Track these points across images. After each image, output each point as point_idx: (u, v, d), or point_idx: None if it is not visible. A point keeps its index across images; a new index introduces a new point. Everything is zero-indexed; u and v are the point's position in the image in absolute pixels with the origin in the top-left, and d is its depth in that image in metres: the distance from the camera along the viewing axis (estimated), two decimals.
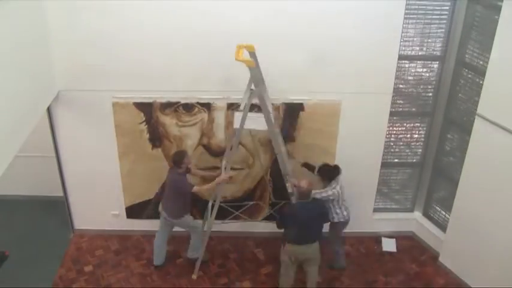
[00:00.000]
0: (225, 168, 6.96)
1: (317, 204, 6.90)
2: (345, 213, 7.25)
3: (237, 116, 6.66)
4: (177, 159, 6.97)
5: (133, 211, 7.98)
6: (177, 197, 7.13)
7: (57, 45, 6.73)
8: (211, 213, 7.21)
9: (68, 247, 8.02)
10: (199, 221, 7.73)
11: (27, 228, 8.34)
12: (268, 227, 8.04)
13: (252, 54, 6.20)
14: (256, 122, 6.63)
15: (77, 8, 6.55)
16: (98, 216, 8.07)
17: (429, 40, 7.17)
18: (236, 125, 6.64)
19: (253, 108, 6.63)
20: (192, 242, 7.56)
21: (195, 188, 6.96)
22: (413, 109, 7.72)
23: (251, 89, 6.29)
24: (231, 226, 7.95)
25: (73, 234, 8.24)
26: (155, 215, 7.80)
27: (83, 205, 7.98)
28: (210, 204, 7.45)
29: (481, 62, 6.73)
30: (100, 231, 8.19)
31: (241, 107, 6.48)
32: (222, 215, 7.69)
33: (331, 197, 7.00)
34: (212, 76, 6.98)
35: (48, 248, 7.94)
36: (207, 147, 7.50)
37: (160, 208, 7.50)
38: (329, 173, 7.14)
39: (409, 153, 8.04)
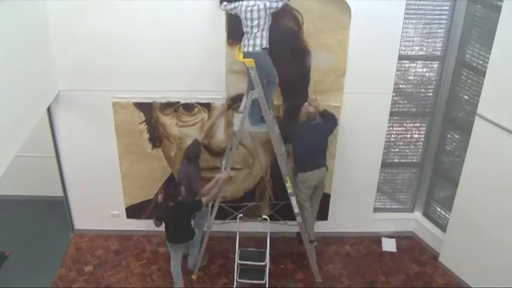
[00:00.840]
0: (225, 168, 6.96)
1: (322, 124, 7.07)
2: None
3: (237, 117, 6.67)
4: (195, 154, 6.99)
5: (133, 211, 7.98)
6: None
7: (57, 45, 6.73)
8: (211, 214, 7.21)
9: (68, 247, 8.02)
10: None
11: (27, 228, 8.34)
12: (271, 228, 8.04)
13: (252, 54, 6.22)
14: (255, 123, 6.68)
15: (77, 8, 6.55)
16: (98, 216, 8.08)
17: (429, 40, 7.16)
18: (236, 126, 6.65)
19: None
20: (191, 252, 7.48)
21: (204, 199, 6.79)
22: (414, 109, 7.72)
23: (251, 90, 6.29)
24: (231, 226, 7.94)
25: (73, 234, 8.24)
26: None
27: (83, 205, 7.99)
28: (209, 204, 7.44)
29: (481, 62, 6.74)
30: (100, 231, 8.20)
31: (241, 108, 6.47)
32: (222, 215, 7.73)
33: None
34: (211, 76, 7.00)
35: (48, 248, 7.95)
36: (208, 148, 7.49)
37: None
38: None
39: (409, 153, 8.03)
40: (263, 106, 6.32)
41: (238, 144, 6.84)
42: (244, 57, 6.14)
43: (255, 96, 6.26)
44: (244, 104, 6.47)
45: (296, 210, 7.04)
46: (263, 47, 6.16)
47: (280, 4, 6.05)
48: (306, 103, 6.98)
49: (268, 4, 6.03)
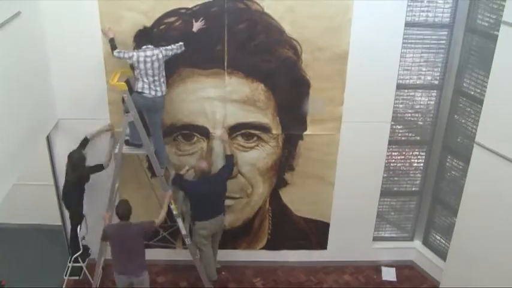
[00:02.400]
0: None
1: (219, 177, 7.19)
2: None
3: (121, 142, 6.78)
4: (127, 213, 6.54)
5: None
6: (140, 248, 6.62)
7: (57, 74, 6.78)
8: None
9: (67, 276, 7.95)
10: None
11: (24, 257, 8.28)
12: (267, 256, 8.01)
13: (131, 78, 6.60)
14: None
15: (77, 37, 6.62)
16: (95, 245, 8.01)
17: (427, 69, 7.22)
18: (116, 149, 6.78)
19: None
20: None
21: (157, 222, 6.66)
22: (412, 137, 7.74)
23: (126, 113, 6.42)
24: (229, 255, 7.91)
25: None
26: (153, 244, 7.76)
27: (81, 234, 7.94)
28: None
29: (478, 91, 6.78)
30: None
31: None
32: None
33: None
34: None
35: (46, 278, 7.87)
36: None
37: (120, 274, 6.76)
38: None
39: (408, 182, 8.03)
40: (140, 129, 6.47)
41: (119, 167, 6.88)
42: (155, 98, 6.48)
43: (130, 119, 6.41)
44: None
45: (183, 232, 7.13)
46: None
47: (178, 51, 6.47)
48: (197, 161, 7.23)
49: (164, 52, 6.41)
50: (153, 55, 6.33)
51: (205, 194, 7.03)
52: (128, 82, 6.52)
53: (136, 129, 6.56)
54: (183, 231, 7.12)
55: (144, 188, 7.56)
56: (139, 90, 6.46)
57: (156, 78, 6.43)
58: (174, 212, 7.01)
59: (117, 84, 6.26)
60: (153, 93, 6.47)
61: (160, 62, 6.39)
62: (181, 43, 6.46)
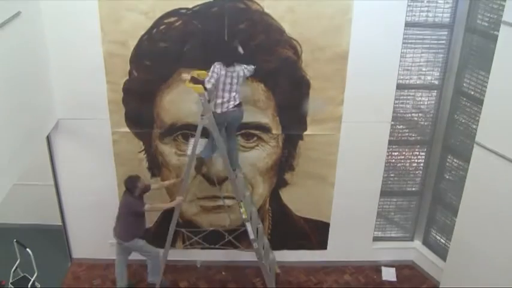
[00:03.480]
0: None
1: None
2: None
3: (191, 142, 6.82)
4: (130, 186, 6.97)
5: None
6: (128, 219, 7.11)
7: (56, 74, 6.78)
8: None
9: (66, 276, 7.96)
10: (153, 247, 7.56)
11: (24, 257, 8.28)
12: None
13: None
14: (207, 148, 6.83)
15: (77, 37, 6.63)
16: (96, 245, 8.03)
17: (427, 69, 7.22)
18: (188, 151, 6.75)
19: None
20: (150, 267, 7.51)
21: (147, 207, 7.02)
22: (412, 137, 7.74)
23: (201, 115, 6.40)
24: (230, 255, 7.91)
25: (71, 263, 8.19)
26: (153, 244, 7.76)
27: (81, 234, 7.96)
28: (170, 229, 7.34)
29: (478, 91, 6.78)
30: (98, 260, 8.15)
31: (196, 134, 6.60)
32: (216, 241, 7.76)
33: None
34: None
35: (45, 277, 7.87)
36: (206, 176, 7.49)
37: (113, 234, 7.33)
38: None
39: (408, 182, 8.03)
40: (215, 132, 6.45)
41: (190, 171, 6.91)
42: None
43: (205, 122, 6.40)
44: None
45: (252, 236, 7.06)
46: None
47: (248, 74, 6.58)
48: None
49: (245, 72, 6.53)
50: (234, 71, 6.41)
51: None
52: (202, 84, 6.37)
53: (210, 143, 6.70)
54: (251, 236, 7.06)
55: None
56: (214, 110, 6.55)
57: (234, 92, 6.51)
58: (244, 217, 6.97)
59: (193, 87, 6.20)
60: (236, 102, 6.55)
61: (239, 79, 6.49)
62: (253, 67, 6.60)
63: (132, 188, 6.94)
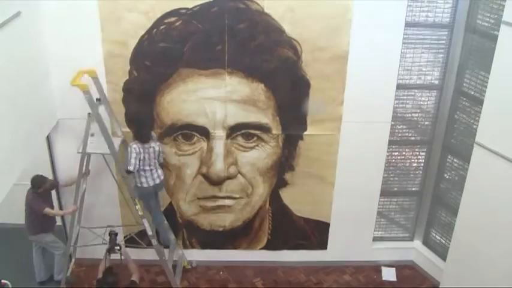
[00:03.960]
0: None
1: None
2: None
3: (84, 141, 6.81)
4: (35, 184, 7.15)
5: (132, 240, 7.93)
6: (31, 214, 7.31)
7: (57, 74, 6.77)
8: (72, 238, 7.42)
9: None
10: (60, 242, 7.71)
11: (25, 257, 8.28)
12: (267, 256, 8.01)
13: (95, 79, 6.56)
14: (99, 146, 6.77)
15: (77, 37, 6.63)
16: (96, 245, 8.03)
17: (427, 69, 7.22)
18: (79, 149, 6.81)
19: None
20: (56, 263, 7.70)
21: (46, 210, 7.18)
22: (412, 137, 7.74)
23: (88, 113, 6.47)
24: (229, 255, 7.91)
25: (71, 263, 8.18)
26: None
27: (82, 234, 7.94)
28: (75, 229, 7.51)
29: (478, 91, 6.78)
30: (98, 260, 8.07)
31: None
32: (218, 243, 7.73)
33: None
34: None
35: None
36: (206, 177, 7.49)
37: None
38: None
39: (408, 182, 8.03)
40: (103, 130, 6.51)
41: (84, 171, 7.00)
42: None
43: (92, 120, 6.52)
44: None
45: (150, 233, 7.17)
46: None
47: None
48: None
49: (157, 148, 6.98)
50: (150, 147, 6.86)
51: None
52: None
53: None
54: (149, 232, 7.15)
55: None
56: (139, 185, 6.98)
57: (153, 168, 6.99)
58: (140, 213, 7.04)
59: (78, 84, 6.22)
60: (151, 183, 7.00)
61: (157, 154, 6.98)
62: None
63: (37, 186, 7.16)
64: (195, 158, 7.36)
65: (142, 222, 7.09)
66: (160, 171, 7.10)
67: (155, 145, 6.93)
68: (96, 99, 6.53)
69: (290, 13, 6.53)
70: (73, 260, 7.78)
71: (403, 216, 8.30)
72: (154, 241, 7.21)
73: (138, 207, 6.99)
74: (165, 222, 7.58)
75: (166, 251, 7.52)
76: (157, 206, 7.34)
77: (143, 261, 8.04)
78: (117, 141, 6.95)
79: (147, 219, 7.08)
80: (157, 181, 7.04)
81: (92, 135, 6.71)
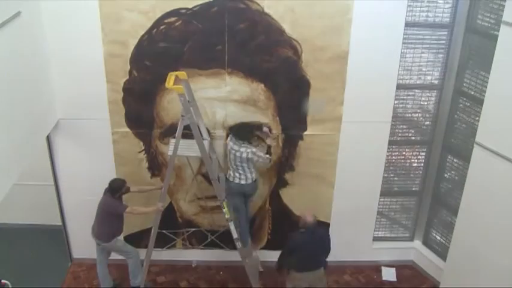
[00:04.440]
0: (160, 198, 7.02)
1: (321, 233, 6.90)
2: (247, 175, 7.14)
3: (172, 142, 6.79)
4: (115, 188, 6.96)
5: (132, 240, 7.93)
6: (107, 219, 7.09)
7: (57, 74, 6.79)
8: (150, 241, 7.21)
9: (66, 276, 7.96)
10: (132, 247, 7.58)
11: (25, 257, 8.29)
12: (267, 256, 8.00)
13: (185, 81, 6.43)
14: (190, 149, 6.75)
15: (77, 37, 6.63)
16: (96, 245, 8.02)
17: (427, 69, 7.22)
18: (170, 151, 6.72)
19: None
20: (131, 269, 7.47)
21: (129, 209, 6.96)
22: (412, 137, 7.75)
23: (182, 116, 6.38)
24: (229, 255, 7.90)
25: (71, 263, 8.19)
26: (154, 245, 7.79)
27: (81, 234, 7.90)
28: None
29: (478, 91, 6.78)
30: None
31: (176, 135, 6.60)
32: (218, 243, 7.77)
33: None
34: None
35: (45, 277, 7.88)
36: (206, 176, 7.48)
37: (91, 234, 7.29)
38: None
39: (408, 182, 8.03)
40: (195, 132, 6.40)
41: (171, 171, 6.90)
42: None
43: (186, 122, 6.38)
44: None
45: (235, 235, 7.06)
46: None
47: (261, 161, 6.98)
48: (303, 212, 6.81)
49: (250, 155, 6.86)
50: (237, 151, 6.84)
51: (309, 249, 6.71)
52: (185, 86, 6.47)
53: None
54: (234, 235, 7.07)
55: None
56: (227, 177, 7.11)
57: (240, 169, 6.97)
58: (227, 216, 6.98)
59: (174, 87, 6.18)
60: (237, 180, 7.02)
61: (243, 159, 6.89)
62: (269, 157, 7.06)
63: (116, 190, 6.95)
64: (195, 157, 7.35)
65: (228, 225, 7.04)
66: (250, 175, 7.05)
67: (244, 150, 6.85)
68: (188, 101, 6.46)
69: (290, 13, 6.53)
70: (146, 265, 7.42)
71: (403, 216, 8.29)
72: (238, 244, 7.15)
73: (225, 210, 6.95)
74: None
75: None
76: (247, 210, 7.42)
77: (142, 261, 8.05)
78: (205, 144, 6.77)
79: (234, 222, 7.05)
80: (243, 182, 7.03)
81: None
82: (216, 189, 6.86)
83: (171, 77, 6.24)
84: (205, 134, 6.94)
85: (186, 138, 6.62)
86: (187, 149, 6.76)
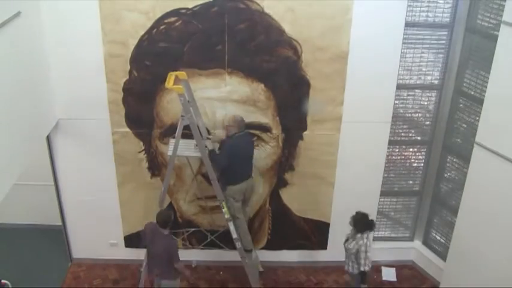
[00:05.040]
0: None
1: (249, 136, 7.10)
2: (355, 266, 6.79)
3: (171, 142, 6.78)
4: (165, 221, 6.44)
5: (132, 240, 7.94)
6: (168, 258, 6.59)
7: (56, 74, 6.78)
8: None
9: (66, 276, 7.96)
10: None
11: (25, 257, 8.29)
12: (267, 256, 8.01)
13: (184, 81, 6.43)
14: (190, 149, 6.76)
15: (77, 37, 6.64)
16: (96, 245, 8.03)
17: (427, 69, 7.22)
18: (170, 151, 6.71)
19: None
20: None
21: (179, 264, 6.64)
22: (412, 137, 7.75)
23: (182, 116, 6.37)
24: (229, 255, 7.90)
25: (71, 263, 8.19)
26: None
27: (81, 234, 7.95)
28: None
29: (478, 91, 6.78)
30: (98, 260, 8.14)
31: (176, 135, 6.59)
32: (218, 243, 7.84)
33: (352, 250, 6.69)
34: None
35: (45, 277, 7.88)
36: (206, 177, 7.48)
37: (148, 273, 6.96)
38: (360, 224, 6.73)
39: (408, 182, 8.03)
40: (194, 132, 6.38)
41: (171, 171, 6.91)
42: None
43: (185, 122, 6.36)
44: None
45: (234, 235, 7.03)
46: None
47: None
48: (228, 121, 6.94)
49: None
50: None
51: (243, 152, 6.94)
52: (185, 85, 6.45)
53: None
54: (234, 235, 7.03)
55: (144, 188, 7.55)
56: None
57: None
58: (226, 216, 6.93)
59: (174, 87, 6.17)
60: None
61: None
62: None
63: (166, 222, 6.45)
64: (194, 157, 7.35)
65: (228, 225, 6.98)
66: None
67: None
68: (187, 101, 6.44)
69: (290, 13, 6.53)
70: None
71: (403, 216, 8.29)
72: (238, 244, 7.10)
73: (224, 210, 6.89)
74: (246, 226, 7.39)
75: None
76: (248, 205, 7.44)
77: (142, 261, 8.06)
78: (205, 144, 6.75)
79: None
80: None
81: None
82: (215, 189, 6.83)
83: (170, 77, 6.24)
84: (205, 134, 6.94)
85: (186, 138, 6.62)
86: (187, 149, 6.76)
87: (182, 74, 6.46)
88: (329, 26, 6.62)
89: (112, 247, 8.03)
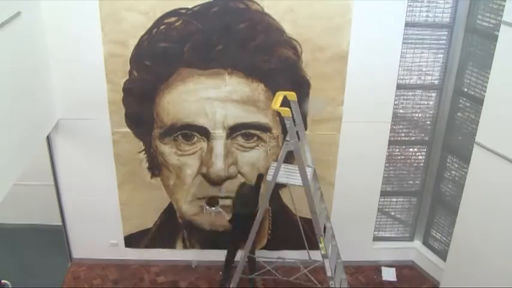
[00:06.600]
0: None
1: None
2: None
3: (272, 166, 6.41)
4: None
5: (132, 240, 7.95)
6: None
7: (57, 74, 6.78)
8: None
9: (66, 276, 7.96)
10: None
11: (25, 257, 8.29)
12: (267, 256, 8.00)
13: (293, 102, 6.11)
14: (290, 176, 6.35)
15: (77, 37, 6.64)
16: (96, 245, 8.03)
17: (427, 69, 7.22)
18: (269, 176, 6.34)
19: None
20: None
21: None
22: (412, 137, 7.74)
23: (286, 140, 6.03)
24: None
25: (71, 263, 8.19)
26: (153, 245, 7.79)
27: (81, 234, 7.95)
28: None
29: (478, 91, 6.78)
30: (98, 260, 8.14)
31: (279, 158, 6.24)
32: (218, 243, 7.83)
33: None
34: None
35: (45, 277, 7.88)
36: (206, 177, 7.49)
37: None
38: None
39: (408, 182, 8.03)
40: (298, 160, 6.01)
41: (268, 199, 6.58)
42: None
43: (289, 148, 5.96)
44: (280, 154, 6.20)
45: (329, 274, 6.67)
46: None
47: None
48: None
49: None
50: None
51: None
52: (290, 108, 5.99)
53: None
54: (329, 273, 6.66)
55: (144, 188, 7.55)
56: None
57: None
58: (322, 252, 6.60)
59: (280, 109, 5.71)
60: None
61: None
62: None
63: None
64: (195, 158, 7.36)
65: (324, 262, 6.63)
66: None
67: None
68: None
69: (290, 13, 6.53)
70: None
71: (403, 216, 8.29)
72: (332, 283, 6.68)
73: (321, 245, 6.52)
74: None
75: None
76: None
77: (142, 261, 8.08)
78: (308, 172, 6.24)
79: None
80: None
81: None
82: (314, 223, 6.50)
83: (278, 97, 5.83)
84: (309, 161, 6.60)
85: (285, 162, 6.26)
86: (287, 176, 6.35)
87: (291, 94, 6.07)
88: (329, 26, 6.62)
89: (112, 247, 8.03)
